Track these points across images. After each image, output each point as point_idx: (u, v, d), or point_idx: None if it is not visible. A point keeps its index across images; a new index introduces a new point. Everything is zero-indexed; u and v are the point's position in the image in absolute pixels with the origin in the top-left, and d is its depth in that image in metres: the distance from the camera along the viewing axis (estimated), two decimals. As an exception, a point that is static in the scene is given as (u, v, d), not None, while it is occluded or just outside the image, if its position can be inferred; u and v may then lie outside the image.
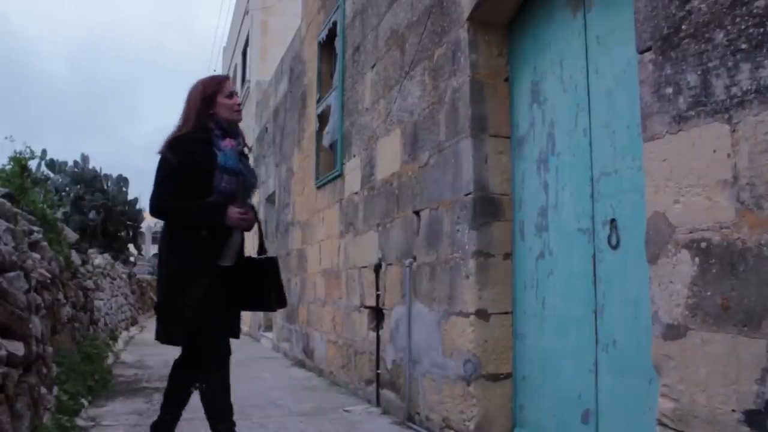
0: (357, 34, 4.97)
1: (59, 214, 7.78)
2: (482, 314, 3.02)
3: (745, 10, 1.60)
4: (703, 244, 1.70)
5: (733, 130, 1.62)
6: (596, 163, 2.53)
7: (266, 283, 2.80)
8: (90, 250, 8.24)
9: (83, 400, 4.07)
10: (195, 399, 3.09)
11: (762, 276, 1.53)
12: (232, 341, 2.92)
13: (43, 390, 3.21)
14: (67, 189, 16.28)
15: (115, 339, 8.10)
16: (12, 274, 2.83)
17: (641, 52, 1.94)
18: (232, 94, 2.76)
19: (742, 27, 1.61)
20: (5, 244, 2.90)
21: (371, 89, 4.59)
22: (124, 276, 12.42)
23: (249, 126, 11.80)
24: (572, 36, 2.71)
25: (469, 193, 3.08)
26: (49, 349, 3.66)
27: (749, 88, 1.58)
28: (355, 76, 5.00)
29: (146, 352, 7.83)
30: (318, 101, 6.14)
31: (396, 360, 3.94)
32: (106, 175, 17.85)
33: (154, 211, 2.66)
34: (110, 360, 6.40)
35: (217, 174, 2.59)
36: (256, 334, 9.81)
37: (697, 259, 1.71)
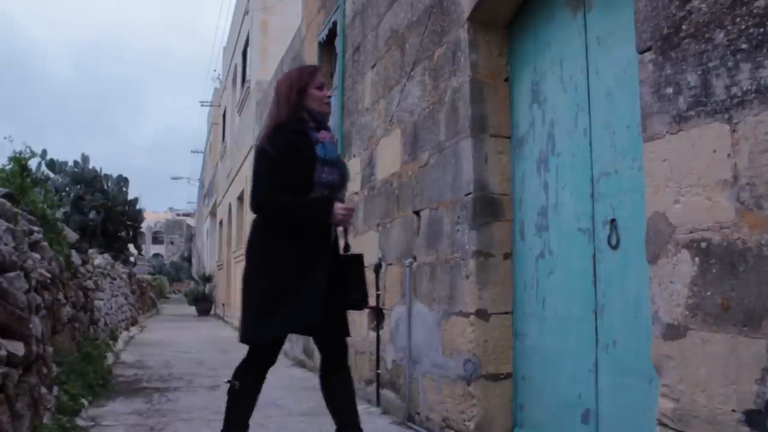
0: (357, 34, 4.97)
1: (59, 214, 7.78)
2: (482, 314, 3.02)
3: (745, 10, 1.60)
4: (703, 244, 1.70)
5: (733, 130, 1.62)
6: (596, 163, 2.53)
7: (355, 280, 2.65)
8: (90, 250, 8.24)
9: (83, 400, 4.07)
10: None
11: (762, 276, 1.53)
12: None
13: (43, 390, 3.22)
14: (67, 189, 16.27)
15: (115, 339, 8.10)
16: (12, 274, 2.83)
17: (641, 52, 1.94)
18: (322, 86, 2.67)
19: (742, 27, 1.61)
20: (5, 244, 2.90)
21: (371, 89, 4.59)
22: (124, 276, 12.42)
23: (249, 126, 11.80)
24: (572, 36, 2.71)
25: (469, 193, 3.08)
26: (49, 349, 3.66)
27: (749, 88, 1.58)
28: (355, 76, 5.00)
29: (146, 352, 7.84)
30: (318, 101, 6.14)
31: (396, 360, 3.93)
32: (106, 175, 17.84)
33: (258, 206, 2.54)
34: (110, 360, 6.41)
35: (317, 166, 2.51)
36: (256, 334, 9.80)
37: (697, 259, 1.71)
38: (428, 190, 3.56)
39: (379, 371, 4.18)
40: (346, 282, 2.60)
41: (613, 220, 2.39)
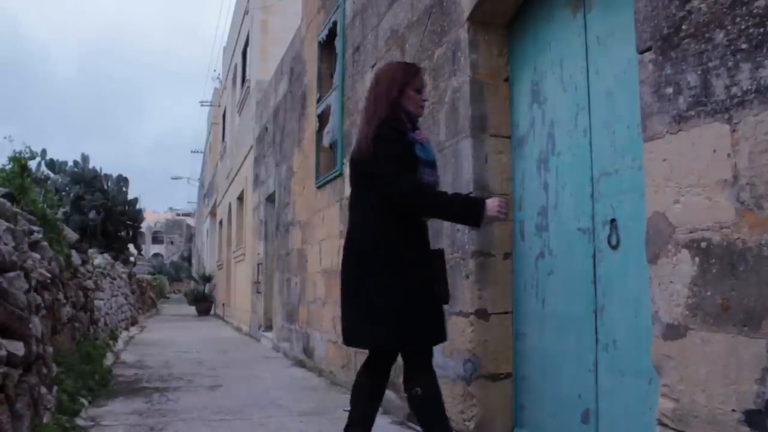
0: (357, 34, 4.97)
1: (59, 214, 7.78)
2: (482, 314, 3.02)
3: (745, 10, 1.60)
4: (703, 244, 1.70)
5: (733, 130, 1.62)
6: (596, 163, 2.53)
7: (442, 273, 2.57)
8: (90, 250, 8.24)
9: (83, 400, 4.07)
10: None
11: (762, 276, 1.53)
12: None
13: (43, 390, 3.21)
14: (67, 189, 16.28)
15: (115, 339, 8.11)
16: (12, 274, 2.83)
17: (641, 52, 1.94)
18: (422, 89, 2.60)
19: (742, 27, 1.61)
20: (5, 244, 2.90)
21: (371, 89, 4.59)
22: (124, 276, 12.42)
23: (249, 126, 11.80)
24: (572, 36, 2.71)
25: (470, 193, 3.08)
26: (49, 349, 3.66)
27: (749, 88, 1.58)
28: (355, 76, 5.00)
29: (146, 352, 7.84)
30: (318, 101, 6.14)
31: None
32: (106, 175, 17.85)
33: (410, 199, 2.40)
34: (110, 360, 6.41)
35: (419, 167, 2.44)
36: (257, 334, 9.82)
37: (697, 259, 1.71)
38: (428, 190, 3.55)
39: (379, 371, 4.18)
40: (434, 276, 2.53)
41: (613, 220, 2.39)
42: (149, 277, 22.96)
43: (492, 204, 2.37)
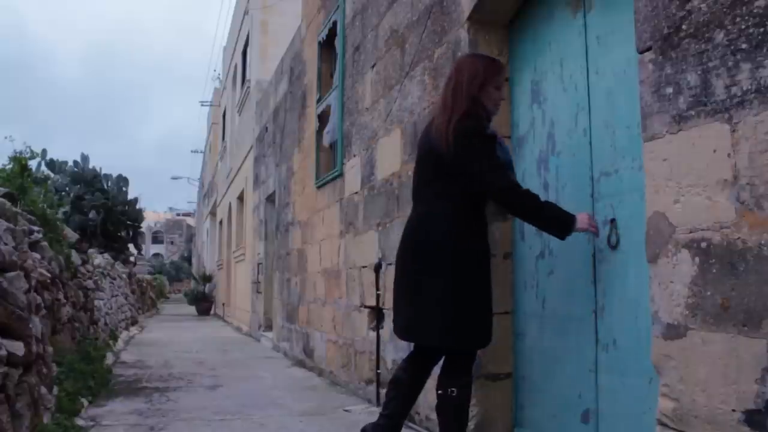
0: (357, 34, 4.97)
1: (59, 214, 7.78)
2: (482, 314, 3.01)
3: (745, 10, 1.60)
4: (703, 244, 1.70)
5: (733, 130, 1.62)
6: (596, 163, 2.53)
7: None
8: (90, 250, 8.24)
9: (83, 400, 4.07)
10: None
11: (762, 276, 1.53)
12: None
13: (43, 390, 3.22)
14: (67, 189, 16.28)
15: (115, 339, 8.11)
16: (12, 274, 2.83)
17: (641, 52, 1.94)
18: (501, 87, 2.57)
19: (743, 27, 1.61)
20: (5, 244, 2.90)
21: (371, 89, 4.59)
22: (124, 276, 12.43)
23: (249, 126, 11.80)
24: (572, 36, 2.71)
25: (470, 193, 3.07)
26: (49, 349, 3.66)
27: (749, 87, 1.58)
28: (355, 76, 5.00)
29: (146, 352, 7.84)
30: (318, 101, 6.14)
31: (396, 360, 3.93)
32: (106, 175, 17.85)
33: (507, 193, 2.38)
34: (110, 360, 6.41)
35: None
36: (256, 334, 9.82)
37: (697, 259, 1.71)
38: (428, 190, 3.55)
39: (379, 371, 4.18)
40: None
41: (613, 220, 2.39)
42: (149, 277, 22.96)
43: (583, 217, 2.35)
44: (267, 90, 9.77)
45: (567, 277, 2.68)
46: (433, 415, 3.35)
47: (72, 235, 6.47)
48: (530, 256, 2.94)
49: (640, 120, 1.95)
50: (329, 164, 5.85)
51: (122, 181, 18.21)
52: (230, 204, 15.35)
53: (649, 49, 1.91)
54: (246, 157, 12.10)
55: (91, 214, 15.83)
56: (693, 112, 1.74)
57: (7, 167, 5.34)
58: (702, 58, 1.72)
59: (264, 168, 9.68)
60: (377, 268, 4.22)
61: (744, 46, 1.60)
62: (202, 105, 27.30)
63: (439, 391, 2.46)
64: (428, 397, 3.44)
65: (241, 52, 14.96)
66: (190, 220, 51.98)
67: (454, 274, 2.40)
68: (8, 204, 3.42)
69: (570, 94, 2.72)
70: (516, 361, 3.02)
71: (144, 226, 21.34)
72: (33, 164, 8.16)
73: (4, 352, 2.58)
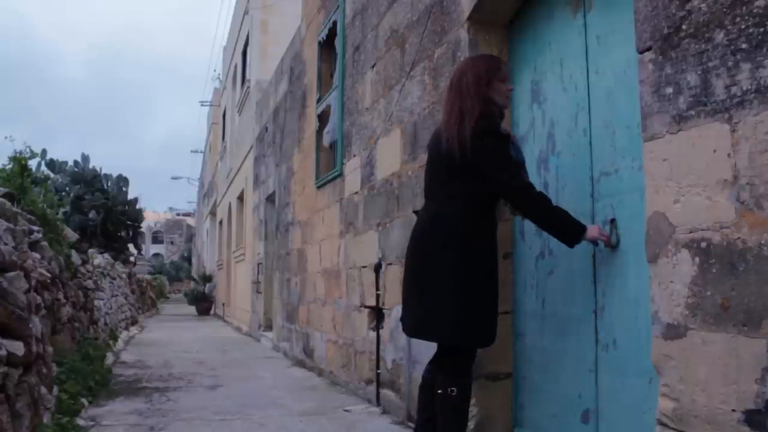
0: (357, 34, 4.97)
1: (59, 214, 7.78)
2: (482, 314, 3.01)
3: (745, 10, 1.60)
4: (703, 244, 1.70)
5: (733, 130, 1.62)
6: (596, 162, 2.53)
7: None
8: (90, 250, 8.24)
9: (83, 400, 4.07)
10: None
11: (762, 276, 1.53)
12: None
13: (43, 390, 3.21)
14: (67, 189, 16.29)
15: (115, 339, 8.11)
16: (12, 274, 2.83)
17: (641, 52, 1.94)
18: (506, 78, 2.59)
19: (742, 27, 1.61)
20: (5, 244, 2.90)
21: (371, 89, 4.59)
22: (124, 276, 12.43)
23: (249, 126, 11.80)
24: (572, 36, 2.71)
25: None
26: (49, 349, 3.66)
27: (749, 87, 1.58)
28: (355, 76, 5.00)
29: (146, 351, 7.84)
30: (318, 101, 6.14)
31: (396, 360, 3.93)
32: (106, 174, 17.86)
33: (520, 192, 2.40)
34: (110, 360, 6.41)
35: None
36: (256, 334, 9.82)
37: (697, 259, 1.71)
38: (428, 190, 3.55)
39: (379, 371, 4.18)
40: None
41: (613, 220, 2.39)
42: (149, 277, 22.96)
43: (593, 228, 2.37)
44: (267, 90, 9.77)
45: (567, 277, 2.68)
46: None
47: (72, 235, 6.46)
48: (530, 256, 2.94)
49: (640, 120, 1.95)
50: (329, 164, 5.85)
51: (122, 181, 18.22)
52: (230, 204, 15.35)
53: (649, 49, 1.91)
54: (246, 157, 12.10)
55: (91, 214, 15.83)
56: (693, 112, 1.74)
57: (7, 167, 5.34)
58: (702, 58, 1.72)
59: (264, 168, 9.68)
60: (377, 268, 4.22)
61: (744, 46, 1.60)
62: (202, 105, 27.32)
63: (439, 391, 2.48)
64: (428, 397, 3.44)
65: (241, 51, 14.96)
66: (190, 220, 51.99)
67: (462, 273, 2.42)
68: (8, 204, 3.42)
69: (570, 94, 2.72)
70: (516, 361, 3.02)
71: (144, 226, 21.36)
72: (33, 164, 8.16)
73: (4, 352, 2.58)
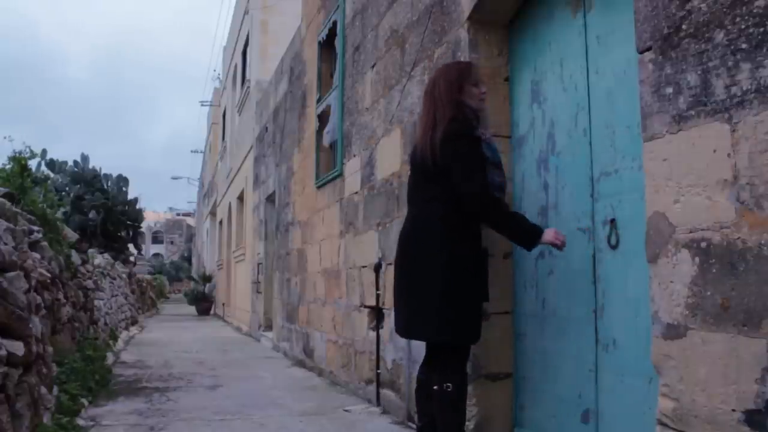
0: (357, 34, 4.97)
1: (59, 214, 7.78)
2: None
3: (745, 10, 1.60)
4: (703, 244, 1.70)
5: (733, 130, 1.62)
6: (596, 162, 2.53)
7: (485, 274, 2.68)
8: (90, 250, 8.24)
9: (83, 400, 4.07)
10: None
11: (762, 276, 1.53)
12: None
13: (43, 390, 3.21)
14: (67, 189, 16.29)
15: (115, 339, 8.11)
16: (12, 274, 2.83)
17: (641, 52, 1.94)
18: (477, 83, 2.64)
19: (742, 27, 1.61)
20: (5, 244, 2.90)
21: (371, 89, 4.59)
22: (124, 276, 12.42)
23: (249, 126, 11.80)
24: (572, 36, 2.71)
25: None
26: (49, 349, 3.66)
27: (749, 87, 1.58)
28: (355, 76, 5.00)
29: (146, 352, 7.84)
30: (318, 101, 6.14)
31: (396, 360, 3.93)
32: (105, 174, 17.86)
33: (477, 199, 2.44)
34: (110, 360, 6.41)
35: (488, 168, 2.48)
36: (256, 333, 9.82)
37: (697, 259, 1.71)
38: (428, 190, 3.55)
39: (379, 371, 4.19)
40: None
41: (613, 220, 2.39)
42: (149, 277, 22.95)
43: (549, 231, 2.46)
44: (267, 90, 9.77)
45: (567, 277, 2.68)
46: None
47: (72, 235, 6.46)
48: (530, 256, 2.94)
49: (640, 120, 1.95)
50: (329, 164, 5.85)
51: (122, 181, 18.22)
52: (230, 204, 15.35)
53: (649, 49, 1.91)
54: (246, 157, 12.10)
55: (91, 214, 15.83)
56: (693, 112, 1.74)
57: (7, 167, 5.34)
58: (702, 58, 1.72)
59: (264, 168, 9.68)
60: (377, 267, 4.22)
61: (744, 46, 1.60)
62: (202, 105, 27.31)
63: (435, 387, 2.53)
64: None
65: (241, 51, 14.95)
66: (190, 220, 52.00)
67: (444, 274, 2.49)
68: (8, 204, 3.42)
69: (570, 94, 2.72)
70: (516, 361, 3.02)
71: (144, 226, 21.36)
72: (33, 164, 8.16)
73: (4, 352, 2.58)
